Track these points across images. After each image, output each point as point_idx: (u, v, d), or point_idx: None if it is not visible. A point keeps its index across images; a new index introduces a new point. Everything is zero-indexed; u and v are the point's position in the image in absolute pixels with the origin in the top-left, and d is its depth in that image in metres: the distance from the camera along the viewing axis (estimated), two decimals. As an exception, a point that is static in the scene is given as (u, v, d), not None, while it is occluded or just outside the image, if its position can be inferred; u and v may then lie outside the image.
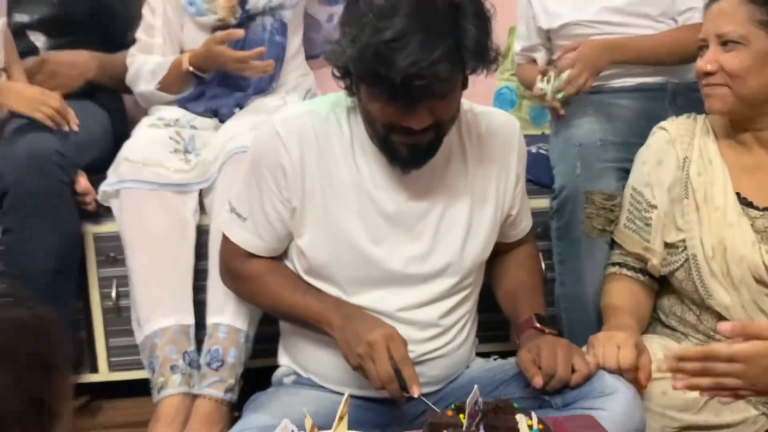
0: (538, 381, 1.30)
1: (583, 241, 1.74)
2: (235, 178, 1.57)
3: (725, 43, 1.46)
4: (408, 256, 1.38)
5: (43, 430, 0.60)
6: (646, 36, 1.91)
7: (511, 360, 1.44)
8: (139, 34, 2.03)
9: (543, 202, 1.89)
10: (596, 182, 1.72)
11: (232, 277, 1.51)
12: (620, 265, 1.66)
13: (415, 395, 1.22)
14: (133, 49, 2.05)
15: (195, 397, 1.70)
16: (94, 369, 1.95)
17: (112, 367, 1.96)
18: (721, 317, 1.51)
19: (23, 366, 0.59)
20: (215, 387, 1.69)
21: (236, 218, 1.43)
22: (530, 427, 1.07)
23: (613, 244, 1.71)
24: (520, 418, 1.08)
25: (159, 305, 1.75)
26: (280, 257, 1.47)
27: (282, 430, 0.97)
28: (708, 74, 1.48)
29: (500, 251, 1.55)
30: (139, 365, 1.95)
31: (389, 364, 1.23)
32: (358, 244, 1.36)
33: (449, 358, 1.44)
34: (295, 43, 2.12)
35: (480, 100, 1.55)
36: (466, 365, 1.50)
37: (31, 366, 0.59)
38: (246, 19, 1.98)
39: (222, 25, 1.95)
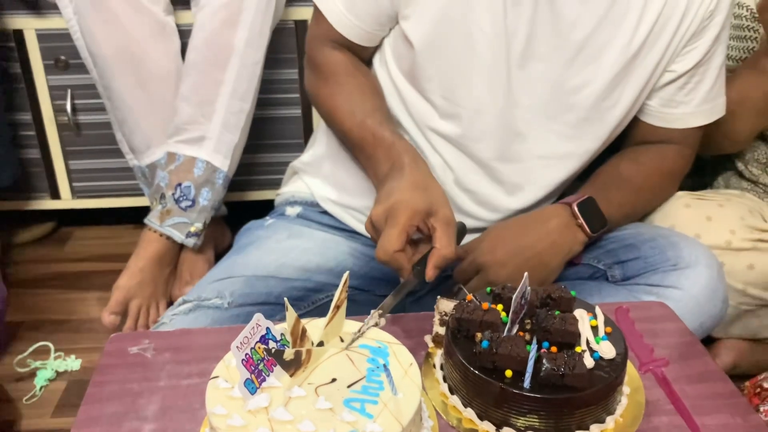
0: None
1: None
2: None
3: None
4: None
5: None
6: None
7: None
8: None
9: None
10: None
11: (312, 69, 1.12)
12: None
13: (429, 279, 0.87)
14: None
15: (152, 230, 1.44)
16: (56, 195, 1.67)
17: (76, 193, 1.67)
18: None
19: None
20: (178, 228, 1.42)
21: None
22: (594, 328, 0.78)
23: None
24: (581, 316, 0.79)
25: (159, 134, 1.44)
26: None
27: (252, 331, 0.68)
28: None
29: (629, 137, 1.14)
30: (106, 192, 1.67)
31: (400, 237, 0.86)
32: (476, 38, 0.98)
33: None
34: None
35: None
36: None
37: None
38: None
39: None
